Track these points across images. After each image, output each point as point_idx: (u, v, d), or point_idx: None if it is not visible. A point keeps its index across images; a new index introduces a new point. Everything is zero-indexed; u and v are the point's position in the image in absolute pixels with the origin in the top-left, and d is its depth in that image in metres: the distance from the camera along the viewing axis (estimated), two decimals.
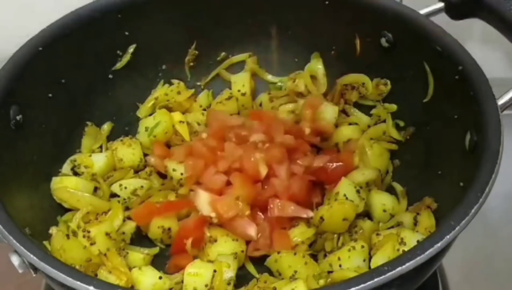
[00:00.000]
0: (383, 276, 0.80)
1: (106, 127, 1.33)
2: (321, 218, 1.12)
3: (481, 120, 1.00)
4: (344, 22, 1.29)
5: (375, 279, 0.79)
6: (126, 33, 1.29)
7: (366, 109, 1.33)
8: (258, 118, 1.31)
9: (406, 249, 1.01)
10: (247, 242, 1.15)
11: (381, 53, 1.26)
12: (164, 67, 1.38)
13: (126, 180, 1.25)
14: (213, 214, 1.15)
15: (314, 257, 1.13)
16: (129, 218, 1.18)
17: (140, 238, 1.19)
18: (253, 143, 1.24)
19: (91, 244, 1.09)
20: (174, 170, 1.25)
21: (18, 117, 1.12)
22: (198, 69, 1.41)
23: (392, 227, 1.14)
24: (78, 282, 0.83)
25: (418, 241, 1.01)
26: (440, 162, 1.14)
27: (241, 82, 1.38)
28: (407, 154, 1.25)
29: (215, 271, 1.06)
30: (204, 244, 1.14)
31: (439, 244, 0.83)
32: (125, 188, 1.24)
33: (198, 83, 1.42)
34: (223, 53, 1.41)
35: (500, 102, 1.03)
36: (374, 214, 1.17)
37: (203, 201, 1.17)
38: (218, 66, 1.41)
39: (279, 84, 1.41)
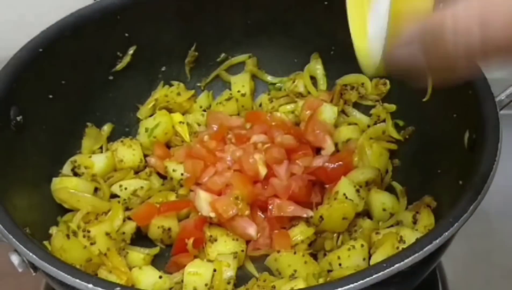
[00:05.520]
0: (381, 273, 0.80)
1: (107, 128, 1.33)
2: (321, 217, 1.12)
3: (480, 118, 1.00)
4: (342, 22, 1.28)
5: (373, 276, 0.79)
6: (126, 34, 1.30)
7: (365, 109, 1.33)
8: (254, 119, 1.31)
9: (405, 247, 1.01)
10: (247, 242, 1.15)
11: None
12: (164, 68, 1.38)
13: (126, 180, 1.26)
14: (212, 214, 1.15)
15: (314, 256, 1.13)
16: (129, 218, 1.19)
17: (140, 238, 1.19)
18: (253, 143, 1.25)
19: (91, 244, 1.09)
20: (174, 170, 1.25)
21: (18, 118, 1.12)
22: (198, 70, 1.41)
23: (391, 226, 1.14)
24: (78, 280, 0.82)
25: (417, 239, 1.01)
26: (439, 161, 1.14)
27: (240, 83, 1.38)
28: (406, 154, 1.25)
29: (215, 270, 1.06)
30: (204, 243, 1.14)
31: (437, 241, 0.83)
32: (125, 188, 1.24)
33: (198, 84, 1.42)
34: (223, 54, 1.41)
35: (499, 100, 1.04)
36: (374, 213, 1.17)
37: (203, 201, 1.17)
38: (218, 67, 1.42)
39: (279, 84, 1.41)
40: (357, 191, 1.15)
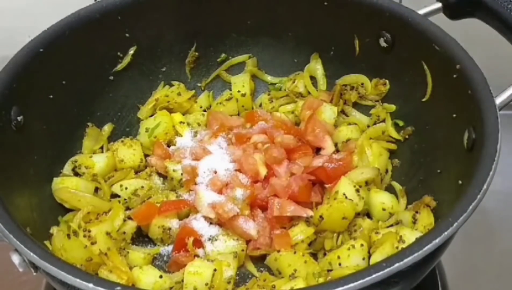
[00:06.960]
0: (381, 272, 0.80)
1: (107, 128, 1.34)
2: (321, 217, 1.12)
3: (479, 118, 1.00)
4: (343, 23, 1.29)
5: (373, 275, 0.79)
6: (127, 34, 1.30)
7: (365, 109, 1.33)
8: (254, 119, 1.31)
9: (405, 247, 1.01)
10: (247, 241, 1.15)
11: (380, 53, 1.26)
12: (164, 68, 1.39)
13: (126, 180, 1.26)
14: (212, 215, 1.16)
15: (314, 256, 1.13)
16: (129, 218, 1.19)
17: (140, 238, 1.20)
18: (253, 143, 1.25)
19: (92, 243, 1.09)
20: (174, 170, 1.25)
21: (19, 118, 1.12)
22: (198, 71, 1.42)
23: (391, 225, 1.14)
24: (78, 280, 0.83)
25: (416, 239, 1.01)
26: (439, 161, 1.15)
27: (241, 83, 1.38)
28: (406, 153, 1.25)
29: (215, 270, 1.06)
30: (205, 243, 1.14)
31: (437, 241, 0.84)
32: (126, 188, 1.24)
33: (199, 84, 1.43)
34: (223, 55, 1.41)
35: (498, 100, 1.04)
36: (374, 213, 1.17)
37: (203, 201, 1.17)
38: (218, 68, 1.42)
39: (279, 84, 1.41)
40: (357, 191, 1.15)
